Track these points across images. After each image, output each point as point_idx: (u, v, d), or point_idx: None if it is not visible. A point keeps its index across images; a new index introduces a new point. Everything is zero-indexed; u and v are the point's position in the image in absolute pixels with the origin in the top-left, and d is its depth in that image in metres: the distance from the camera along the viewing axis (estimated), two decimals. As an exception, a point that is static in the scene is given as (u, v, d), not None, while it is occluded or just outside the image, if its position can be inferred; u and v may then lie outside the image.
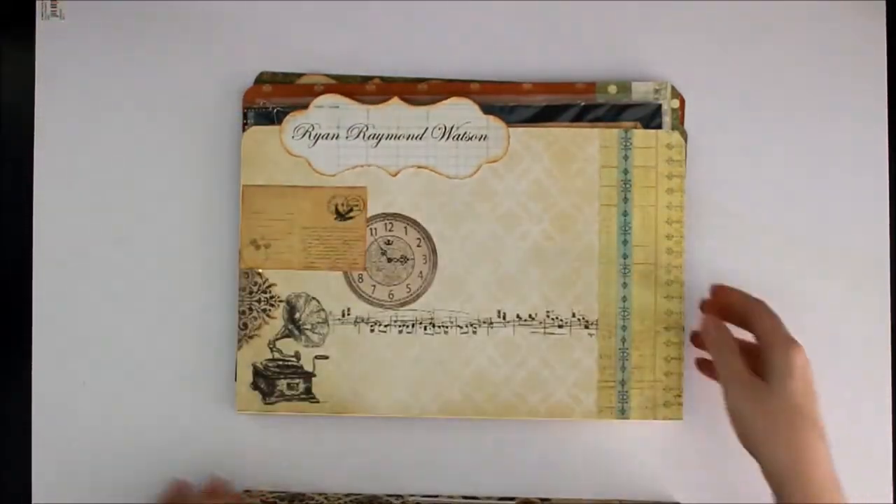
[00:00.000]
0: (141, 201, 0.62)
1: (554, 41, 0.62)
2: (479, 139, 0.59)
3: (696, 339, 0.58)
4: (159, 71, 0.62)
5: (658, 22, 0.62)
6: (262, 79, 0.61)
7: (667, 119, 0.59)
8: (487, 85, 0.60)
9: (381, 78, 0.61)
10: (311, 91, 0.60)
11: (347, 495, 0.60)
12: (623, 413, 0.58)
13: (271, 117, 0.60)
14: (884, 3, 0.61)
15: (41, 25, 0.62)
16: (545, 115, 0.60)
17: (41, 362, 0.61)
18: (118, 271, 0.61)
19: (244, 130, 0.60)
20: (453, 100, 0.59)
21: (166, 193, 0.62)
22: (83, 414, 0.61)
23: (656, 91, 0.60)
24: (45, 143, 0.61)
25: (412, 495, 0.60)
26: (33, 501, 0.60)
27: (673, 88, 0.60)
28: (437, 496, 0.60)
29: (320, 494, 0.60)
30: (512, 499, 0.60)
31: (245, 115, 0.60)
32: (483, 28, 0.62)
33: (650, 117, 0.59)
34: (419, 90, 0.60)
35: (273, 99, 0.60)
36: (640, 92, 0.60)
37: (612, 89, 0.60)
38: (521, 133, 0.59)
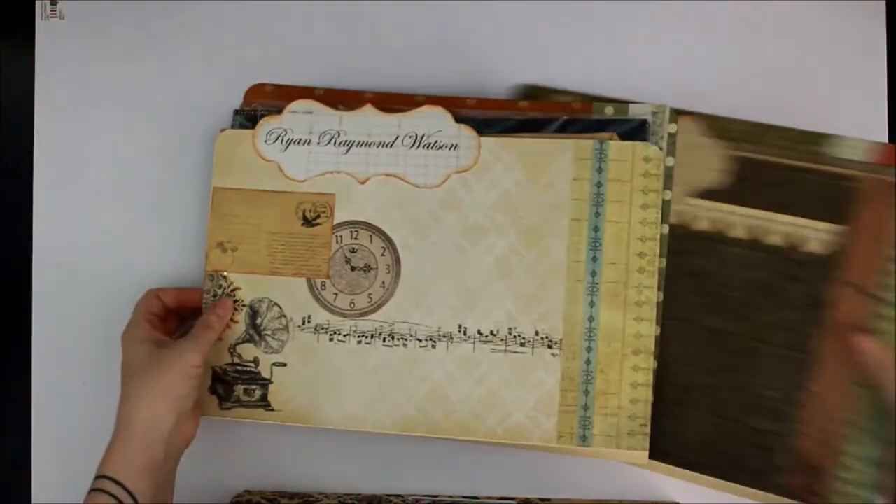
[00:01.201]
0: (140, 201, 0.62)
1: (558, 55, 0.62)
2: (450, 148, 0.57)
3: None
4: (159, 71, 0.63)
5: (657, 29, 0.61)
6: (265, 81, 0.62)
7: (662, 143, 0.57)
8: (483, 101, 0.59)
9: (377, 93, 0.61)
10: (312, 94, 0.60)
11: (348, 495, 0.59)
12: (584, 440, 0.54)
13: (255, 120, 0.59)
14: (884, 3, 0.61)
15: (41, 26, 0.63)
16: (525, 127, 0.58)
17: (41, 362, 0.62)
18: (118, 271, 0.62)
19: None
20: (426, 108, 0.58)
21: (163, 193, 0.62)
22: (83, 414, 0.61)
23: (654, 114, 0.57)
24: (44, 143, 0.63)
25: (412, 495, 0.59)
26: (33, 501, 0.61)
27: (672, 111, 0.57)
28: (437, 496, 0.59)
29: (321, 493, 0.59)
30: (512, 499, 0.59)
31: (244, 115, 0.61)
32: (475, 44, 0.62)
33: (633, 133, 0.57)
34: (416, 101, 0.59)
35: (272, 101, 0.60)
36: (638, 114, 0.57)
37: (609, 110, 0.57)
38: (491, 143, 0.57)
